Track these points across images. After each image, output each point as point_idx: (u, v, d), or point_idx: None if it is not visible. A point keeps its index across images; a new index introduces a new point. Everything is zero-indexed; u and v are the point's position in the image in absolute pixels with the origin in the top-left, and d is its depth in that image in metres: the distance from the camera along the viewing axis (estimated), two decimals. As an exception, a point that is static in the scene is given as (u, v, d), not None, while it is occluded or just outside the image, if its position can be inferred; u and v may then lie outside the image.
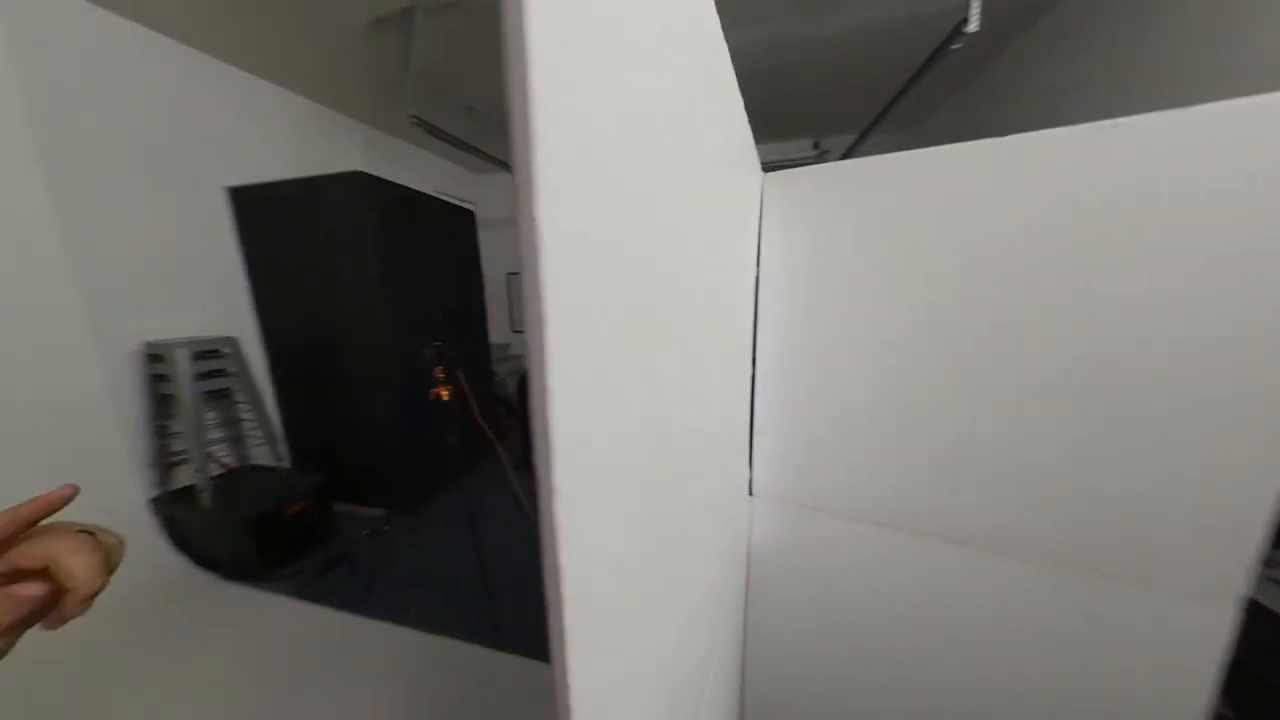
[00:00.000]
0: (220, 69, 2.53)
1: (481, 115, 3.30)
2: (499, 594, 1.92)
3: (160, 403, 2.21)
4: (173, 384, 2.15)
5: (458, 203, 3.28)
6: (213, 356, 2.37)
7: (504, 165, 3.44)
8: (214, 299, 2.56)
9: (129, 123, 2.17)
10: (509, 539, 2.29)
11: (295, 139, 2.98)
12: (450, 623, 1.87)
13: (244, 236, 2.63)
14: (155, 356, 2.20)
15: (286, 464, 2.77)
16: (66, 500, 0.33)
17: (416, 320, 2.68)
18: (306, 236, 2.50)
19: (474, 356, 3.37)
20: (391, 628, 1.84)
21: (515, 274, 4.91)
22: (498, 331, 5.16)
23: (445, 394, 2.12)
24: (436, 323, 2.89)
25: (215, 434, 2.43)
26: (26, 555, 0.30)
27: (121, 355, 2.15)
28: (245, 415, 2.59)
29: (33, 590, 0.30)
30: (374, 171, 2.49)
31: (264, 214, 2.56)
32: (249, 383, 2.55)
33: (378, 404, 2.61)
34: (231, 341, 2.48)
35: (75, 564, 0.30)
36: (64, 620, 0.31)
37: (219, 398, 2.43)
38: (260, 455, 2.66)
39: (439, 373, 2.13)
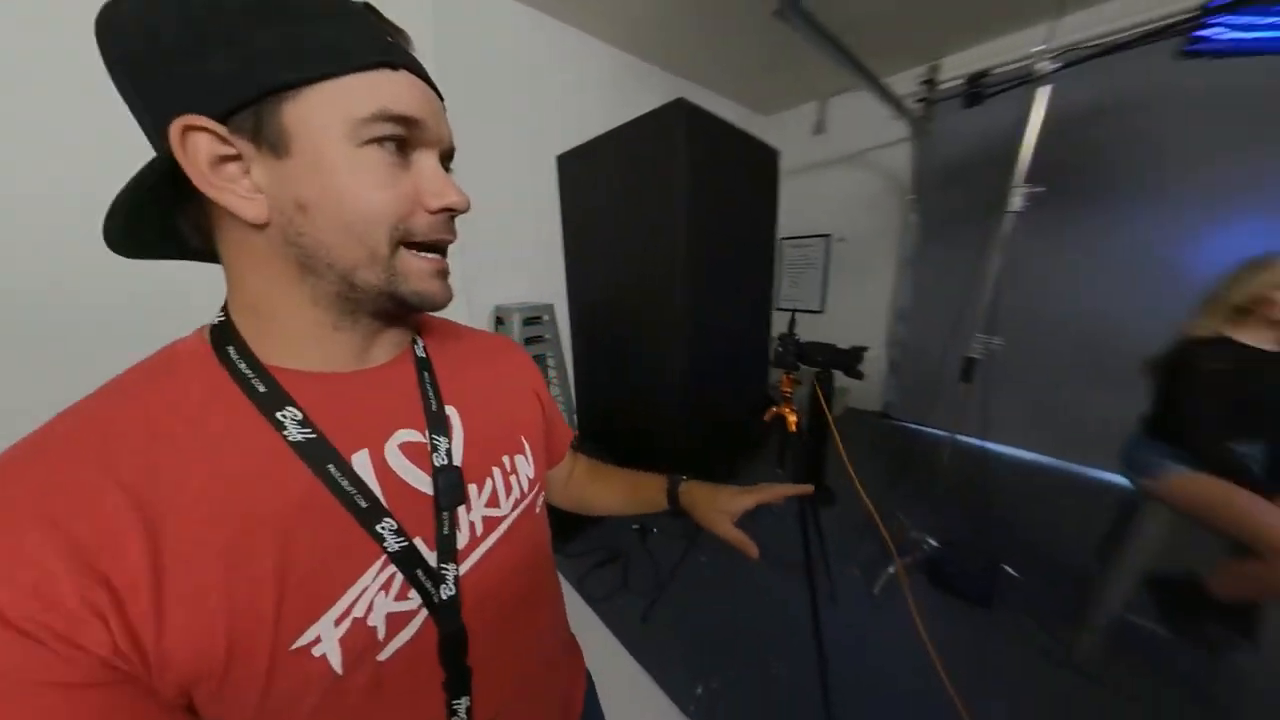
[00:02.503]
0: (542, 21, 2.39)
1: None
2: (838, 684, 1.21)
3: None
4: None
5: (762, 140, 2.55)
6: (535, 323, 2.39)
7: (876, 83, 2.39)
8: (544, 267, 2.62)
9: (494, 91, 2.21)
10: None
11: (612, 91, 2.78)
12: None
13: (564, 199, 2.56)
14: (500, 320, 2.30)
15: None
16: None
17: (717, 283, 2.16)
18: (616, 185, 2.21)
19: (754, 333, 2.71)
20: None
21: (795, 239, 4.03)
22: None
23: (792, 418, 1.45)
24: (731, 290, 2.33)
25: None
26: None
27: (481, 318, 2.33)
28: (553, 381, 2.63)
29: None
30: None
31: (581, 172, 2.41)
32: (558, 350, 2.55)
33: (666, 372, 2.22)
34: (548, 309, 2.48)
35: None
36: None
37: (539, 363, 2.49)
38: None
39: (786, 385, 1.48)
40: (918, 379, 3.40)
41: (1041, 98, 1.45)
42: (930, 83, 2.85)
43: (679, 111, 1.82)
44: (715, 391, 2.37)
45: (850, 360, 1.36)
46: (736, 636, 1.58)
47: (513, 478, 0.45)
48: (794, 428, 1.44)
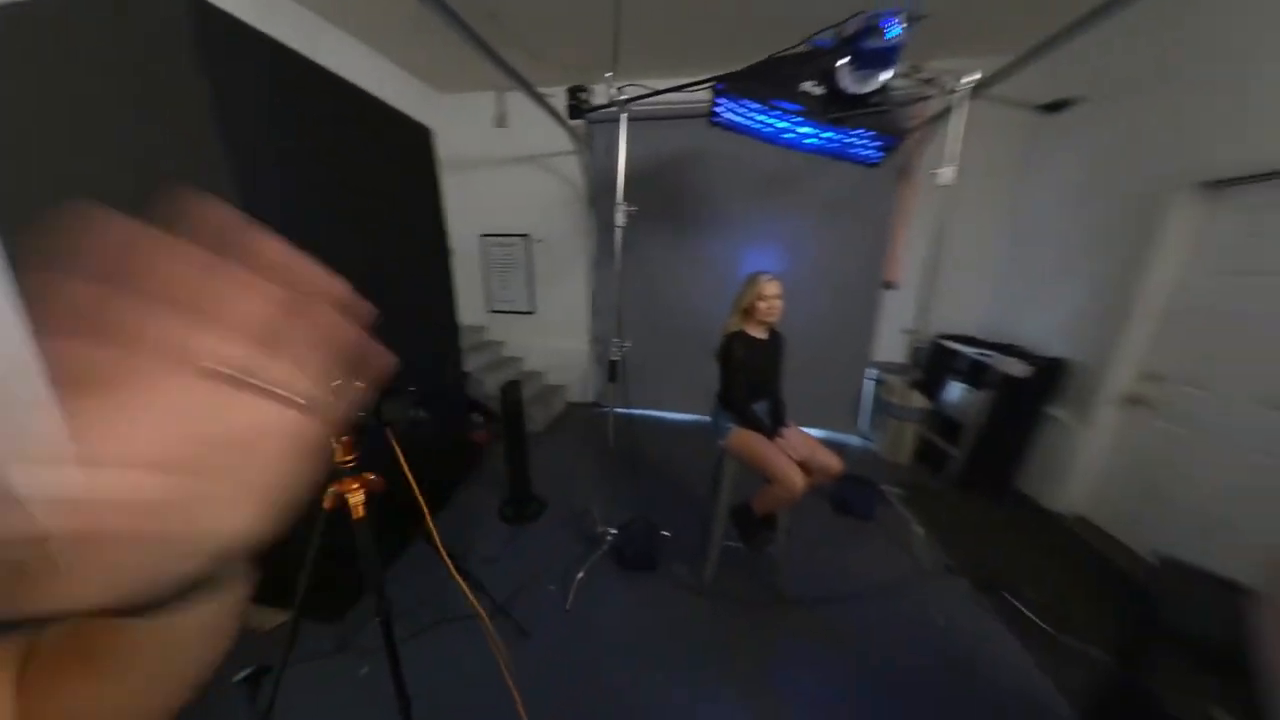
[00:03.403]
0: None
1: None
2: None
3: None
4: None
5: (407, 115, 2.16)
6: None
7: (526, 86, 2.26)
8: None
9: None
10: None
11: None
12: None
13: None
14: None
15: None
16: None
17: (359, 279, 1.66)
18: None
19: (436, 345, 2.35)
20: None
21: (496, 236, 3.81)
22: (467, 310, 4.12)
23: (357, 499, 1.01)
24: (383, 287, 1.87)
25: None
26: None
27: None
28: None
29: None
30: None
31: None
32: None
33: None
34: None
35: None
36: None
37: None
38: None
39: (342, 453, 0.98)
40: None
41: (623, 132, 1.65)
42: (576, 102, 3.09)
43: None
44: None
45: (398, 414, 1.00)
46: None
47: None
48: (360, 512, 1.03)
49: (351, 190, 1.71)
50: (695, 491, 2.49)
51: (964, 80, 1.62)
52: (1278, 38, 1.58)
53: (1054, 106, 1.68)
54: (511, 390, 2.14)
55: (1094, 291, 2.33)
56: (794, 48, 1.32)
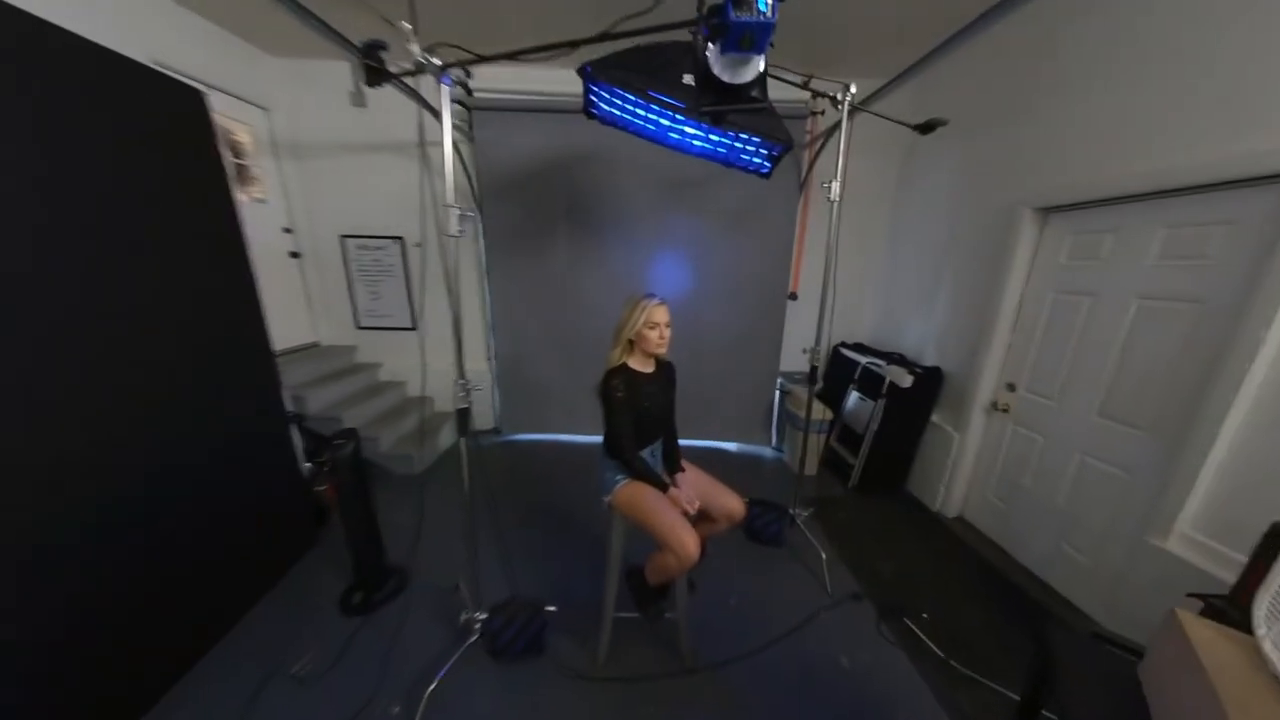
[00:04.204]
0: None
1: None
2: None
3: None
4: None
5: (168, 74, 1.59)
6: None
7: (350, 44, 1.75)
8: None
9: None
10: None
11: None
12: None
13: None
14: None
15: None
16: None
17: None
18: None
19: (234, 380, 1.77)
20: None
21: (362, 238, 3.18)
22: (328, 328, 3.41)
23: None
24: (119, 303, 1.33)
25: None
26: None
27: None
28: None
29: None
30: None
31: None
32: None
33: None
34: None
35: None
36: None
37: None
38: None
39: None
40: (517, 391, 3.43)
41: (447, 112, 1.28)
42: (373, 63, 2.63)
43: None
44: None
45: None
46: None
47: None
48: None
49: (65, 180, 1.15)
50: (593, 532, 2.22)
51: (851, 91, 1.56)
52: (1088, 78, 1.74)
53: (926, 127, 1.71)
54: (342, 446, 1.65)
55: (959, 304, 2.50)
56: (661, 30, 1.11)
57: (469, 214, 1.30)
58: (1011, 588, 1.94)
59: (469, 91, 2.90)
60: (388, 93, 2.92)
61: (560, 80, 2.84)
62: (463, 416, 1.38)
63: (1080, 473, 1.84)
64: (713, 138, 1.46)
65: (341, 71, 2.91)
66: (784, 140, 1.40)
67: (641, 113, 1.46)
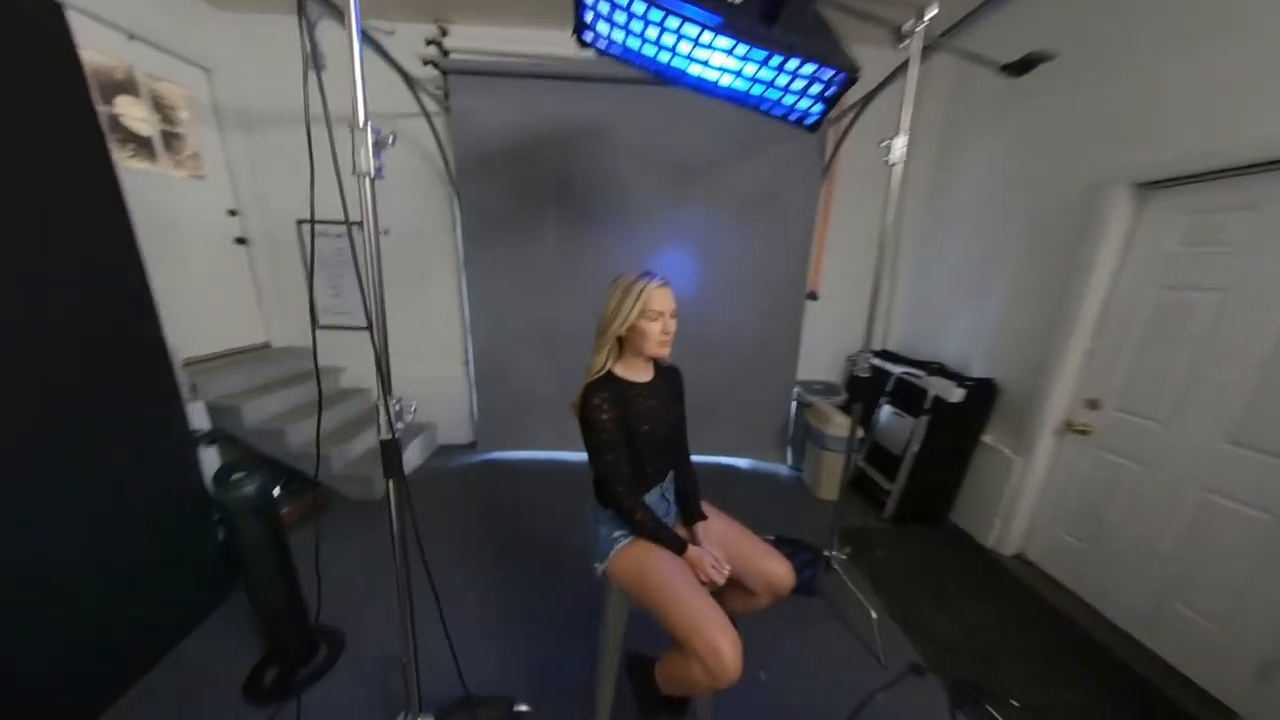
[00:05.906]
0: None
1: None
2: None
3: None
4: None
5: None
6: None
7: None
8: None
9: None
10: None
11: None
12: None
13: None
14: None
15: None
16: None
17: None
18: None
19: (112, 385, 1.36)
20: None
21: (322, 223, 2.75)
22: (282, 328, 2.97)
23: None
24: None
25: None
26: None
27: None
28: None
29: None
30: None
31: None
32: None
33: None
34: None
35: None
36: None
37: None
38: None
39: None
40: (498, 401, 2.99)
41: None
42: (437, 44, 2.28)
43: None
44: None
45: None
46: None
47: None
48: None
49: None
50: (586, 586, 1.80)
51: (927, 17, 1.18)
52: (1212, 21, 1.39)
53: (1021, 66, 1.33)
54: (240, 483, 1.21)
55: (1019, 304, 2.13)
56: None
57: (390, 137, 0.87)
58: (1108, 655, 1.55)
59: (444, 52, 2.51)
60: (345, 55, 2.52)
61: (551, 42, 2.47)
62: (390, 453, 0.95)
63: (1201, 514, 1.46)
64: (749, 68, 1.08)
65: (292, 31, 2.52)
66: (847, 68, 1.03)
67: (654, 34, 1.07)
